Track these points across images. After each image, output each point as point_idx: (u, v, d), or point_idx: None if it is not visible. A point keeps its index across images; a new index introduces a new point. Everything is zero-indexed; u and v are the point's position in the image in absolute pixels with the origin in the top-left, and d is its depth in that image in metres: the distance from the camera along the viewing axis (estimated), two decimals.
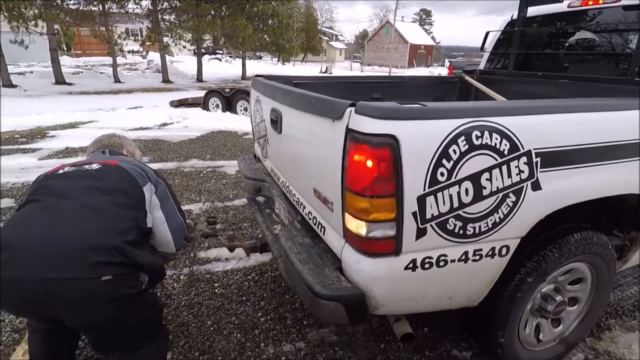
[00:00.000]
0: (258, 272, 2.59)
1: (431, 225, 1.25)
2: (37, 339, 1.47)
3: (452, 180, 1.22)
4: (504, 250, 1.37)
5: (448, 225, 1.27)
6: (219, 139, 6.52)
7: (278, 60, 30.31)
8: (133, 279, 1.30)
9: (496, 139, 1.24)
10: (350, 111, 1.20)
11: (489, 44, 3.38)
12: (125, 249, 1.26)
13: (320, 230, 1.55)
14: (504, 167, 1.26)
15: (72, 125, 7.36)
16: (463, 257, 1.34)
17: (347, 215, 1.27)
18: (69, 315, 1.23)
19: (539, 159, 1.30)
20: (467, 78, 3.42)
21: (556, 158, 1.32)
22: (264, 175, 2.41)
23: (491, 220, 1.31)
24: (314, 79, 3.09)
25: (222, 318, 2.15)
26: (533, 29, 3.00)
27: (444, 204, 1.24)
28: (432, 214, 1.23)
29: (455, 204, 1.25)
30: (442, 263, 1.32)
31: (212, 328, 2.08)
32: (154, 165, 4.93)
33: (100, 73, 18.50)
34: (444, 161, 1.20)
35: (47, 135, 6.56)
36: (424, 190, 1.20)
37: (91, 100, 11.67)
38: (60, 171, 1.46)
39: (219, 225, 2.12)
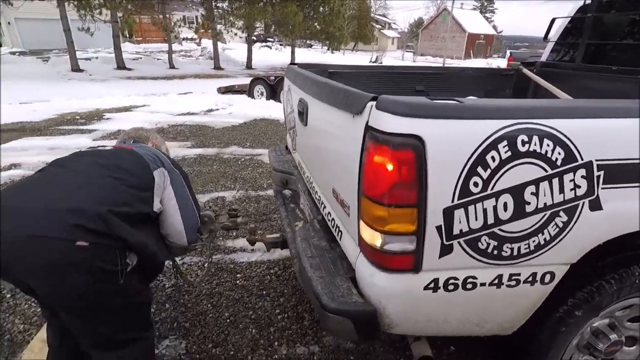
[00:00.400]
0: (281, 267, 2.53)
1: (459, 243, 1.08)
2: (49, 331, 1.48)
3: (488, 192, 1.04)
4: (547, 277, 1.17)
5: (480, 244, 1.09)
6: (261, 127, 6.54)
7: (328, 49, 30.06)
8: (114, 254, 1.18)
9: (548, 145, 1.03)
10: (371, 106, 1.05)
11: (555, 33, 3.00)
12: (109, 218, 1.16)
13: (338, 235, 1.42)
14: (555, 181, 1.06)
15: (127, 109, 7.74)
16: (496, 281, 1.15)
17: (362, 223, 1.13)
18: (38, 280, 1.14)
19: (601, 173, 1.07)
20: (525, 71, 3.06)
21: (625, 173, 1.09)
22: (292, 168, 2.32)
23: (534, 241, 1.11)
24: (353, 69, 2.93)
25: (240, 311, 2.11)
26: (610, 15, 2.61)
27: (476, 219, 1.06)
28: (461, 230, 1.06)
29: (490, 220, 1.07)
30: (469, 286, 1.14)
31: (228, 320, 2.04)
32: (196, 151, 5.04)
33: (157, 59, 19.40)
34: (480, 169, 1.02)
35: (103, 117, 6.95)
36: (453, 201, 1.03)
37: (147, 85, 12.26)
38: (79, 151, 1.49)
39: (240, 219, 2.05)
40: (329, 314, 1.15)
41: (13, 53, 18.95)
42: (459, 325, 1.26)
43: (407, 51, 43.91)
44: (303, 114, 1.75)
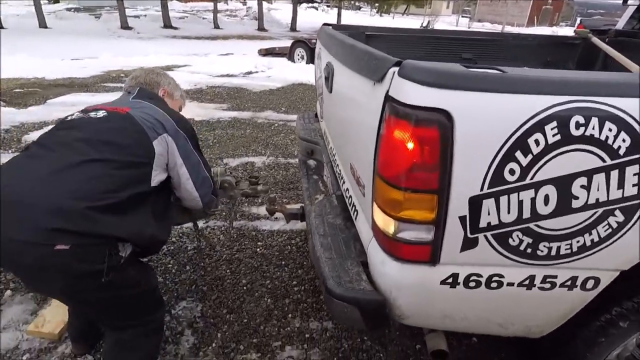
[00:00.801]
0: (302, 238, 2.48)
1: (485, 237, 0.94)
2: (69, 311, 1.53)
3: (527, 181, 0.88)
4: (590, 283, 1.01)
5: (511, 240, 0.94)
6: (298, 92, 6.40)
7: (377, 12, 28.61)
8: (100, 251, 1.07)
9: (610, 130, 0.84)
10: (394, 72, 0.90)
11: None
12: (91, 216, 1.05)
13: (354, 214, 1.32)
14: (615, 173, 0.87)
15: (169, 68, 7.84)
16: (526, 282, 1.01)
17: (375, 206, 1.02)
18: (24, 279, 1.15)
19: None
20: (595, 40, 2.64)
21: None
22: (318, 138, 2.20)
23: (578, 242, 0.94)
24: (395, 32, 2.69)
25: (257, 279, 2.10)
26: None
27: (509, 212, 0.91)
28: (489, 223, 0.92)
29: (527, 214, 0.91)
30: (494, 284, 1.01)
31: (245, 288, 2.04)
32: (231, 114, 5.03)
33: (203, 18, 19.41)
34: (519, 154, 0.86)
35: None
36: (482, 189, 0.88)
37: (190, 44, 12.35)
38: (68, 117, 1.34)
39: (261, 187, 1.99)
40: (335, 300, 1.07)
41: (69, 9, 19.74)
42: (478, 323, 1.14)
43: (463, 16, 40.86)
44: (328, 79, 1.61)
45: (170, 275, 2.10)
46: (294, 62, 8.70)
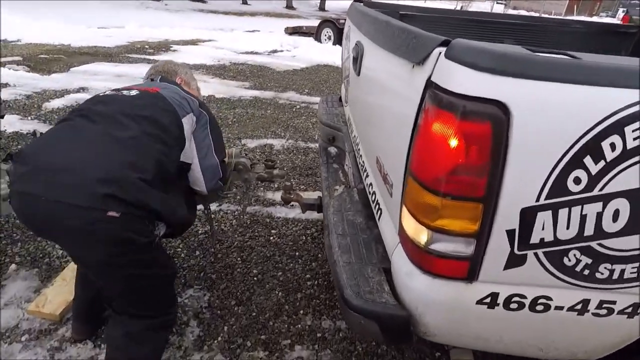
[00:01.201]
0: (318, 228, 2.36)
1: (535, 254, 0.79)
2: (77, 281, 1.49)
3: (594, 192, 0.72)
4: None
5: (566, 259, 0.80)
6: (323, 74, 6.20)
7: None
8: (143, 224, 1.11)
9: None
10: (439, 53, 0.74)
11: None
12: (142, 187, 1.08)
13: (377, 213, 1.18)
14: None
15: (193, 42, 7.75)
16: (578, 307, 0.86)
17: (404, 210, 0.88)
18: (66, 244, 1.15)
19: None
20: None
21: None
22: (341, 124, 2.05)
23: None
24: (431, 12, 2.48)
25: (269, 270, 2.01)
26: None
27: (568, 228, 0.75)
28: (542, 239, 0.77)
29: (589, 231, 0.76)
30: (539, 307, 0.87)
31: (255, 278, 1.95)
32: (253, 93, 4.90)
33: None
34: (588, 160, 0.70)
35: (170, 48, 7.02)
36: (538, 200, 0.73)
37: (217, 19, 12.19)
38: (101, 94, 1.34)
39: (277, 171, 1.87)
40: (352, 312, 0.95)
41: None
42: (516, 346, 1.00)
43: (497, 2, 38.93)
44: (357, 60, 1.45)
45: (179, 260, 2.03)
46: (321, 42, 8.45)
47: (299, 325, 1.72)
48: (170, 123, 1.25)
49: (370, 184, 1.28)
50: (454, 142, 0.71)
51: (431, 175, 0.77)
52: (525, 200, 0.73)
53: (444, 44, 0.74)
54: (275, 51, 7.59)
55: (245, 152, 3.22)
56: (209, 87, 4.89)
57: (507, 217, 0.75)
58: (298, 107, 4.54)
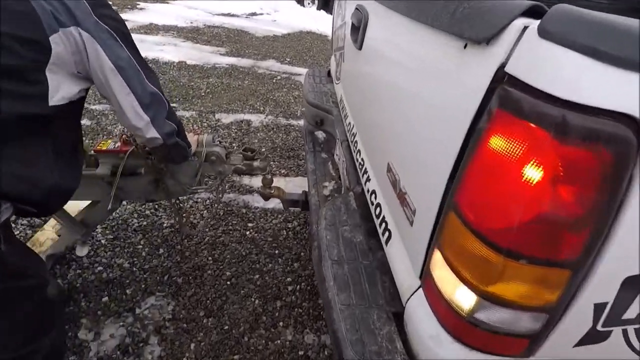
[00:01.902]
0: (302, 222, 2.10)
1: (624, 331, 0.55)
2: None
3: None
4: None
5: None
6: (306, 42, 5.75)
7: None
8: None
9: None
10: (524, 28, 0.46)
11: None
12: None
13: (383, 234, 0.92)
14: None
15: (163, 0, 7.04)
16: None
17: (437, 255, 0.62)
18: None
19: None
20: None
21: None
22: (331, 105, 1.75)
23: None
24: None
25: (244, 272, 1.75)
26: None
27: None
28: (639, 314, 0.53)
29: None
30: None
31: (229, 282, 1.69)
32: (229, 60, 4.46)
33: None
34: None
35: (137, 6, 6.34)
36: None
37: None
38: None
39: (258, 163, 1.57)
40: None
41: None
42: None
43: None
44: (358, 30, 1.14)
45: (139, 260, 1.73)
46: (304, 6, 7.87)
47: (278, 341, 1.48)
48: (30, 44, 0.79)
49: (373, 193, 1.01)
50: (539, 175, 0.45)
51: (493, 220, 0.50)
52: (633, 266, 0.48)
53: (532, 12, 0.45)
54: (254, 14, 7.02)
55: (218, 139, 2.87)
56: (180, 51, 4.41)
57: (601, 287, 0.50)
58: (279, 77, 4.16)
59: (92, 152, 1.42)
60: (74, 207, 1.55)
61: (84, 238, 1.56)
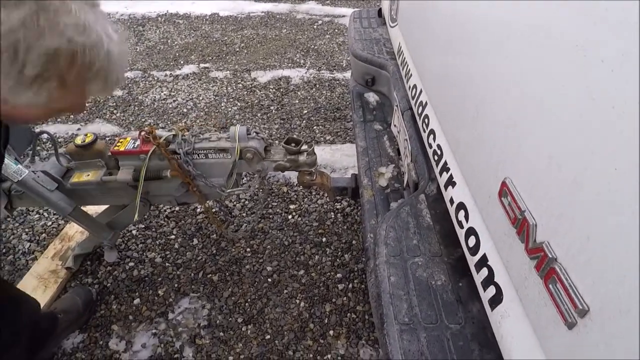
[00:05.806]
0: (352, 201, 1.78)
1: None
2: None
3: None
4: None
5: None
6: None
7: None
8: None
9: None
10: None
11: None
12: None
13: (484, 286, 0.57)
14: None
15: None
16: None
17: None
18: None
19: None
20: None
21: None
22: (385, 57, 1.34)
23: None
24: None
25: (287, 267, 1.50)
26: None
27: None
28: None
29: None
30: None
31: (269, 280, 1.46)
32: (263, 6, 3.98)
33: None
34: None
35: None
36: None
37: None
38: None
39: (304, 157, 1.21)
40: None
41: None
42: None
43: None
44: None
45: (171, 253, 1.54)
46: None
47: (329, 356, 1.25)
48: None
49: (461, 206, 0.65)
50: None
51: None
52: None
53: None
54: None
55: (256, 89, 2.55)
56: (210, 4, 4.01)
57: None
58: (320, 22, 3.65)
59: (110, 153, 1.19)
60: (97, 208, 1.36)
61: (111, 243, 1.39)
